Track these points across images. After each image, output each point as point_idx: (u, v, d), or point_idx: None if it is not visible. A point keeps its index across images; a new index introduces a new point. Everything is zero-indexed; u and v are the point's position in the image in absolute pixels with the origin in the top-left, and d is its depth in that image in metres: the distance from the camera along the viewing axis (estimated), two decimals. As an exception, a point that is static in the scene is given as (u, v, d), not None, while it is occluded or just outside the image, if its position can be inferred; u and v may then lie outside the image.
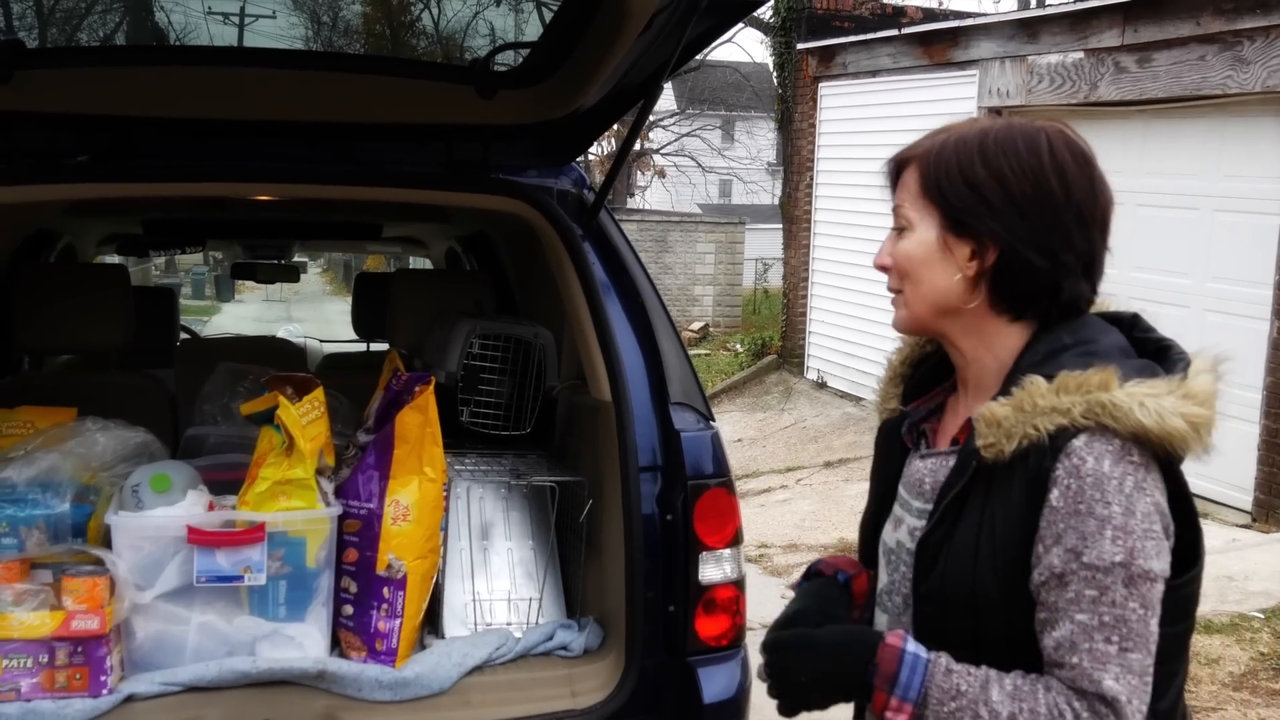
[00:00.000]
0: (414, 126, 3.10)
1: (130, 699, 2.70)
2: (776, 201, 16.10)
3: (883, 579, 1.84)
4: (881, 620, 1.84)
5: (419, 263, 8.20)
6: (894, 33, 11.69)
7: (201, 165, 3.00)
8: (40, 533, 2.85)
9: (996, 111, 10.63)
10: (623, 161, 3.14)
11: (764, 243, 27.40)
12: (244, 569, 2.79)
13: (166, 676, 2.75)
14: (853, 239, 12.31)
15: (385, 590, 2.89)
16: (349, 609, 2.93)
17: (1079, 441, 1.52)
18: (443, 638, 3.04)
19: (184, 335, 5.78)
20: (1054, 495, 1.53)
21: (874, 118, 11.99)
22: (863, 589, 1.93)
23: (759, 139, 40.53)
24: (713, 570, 2.93)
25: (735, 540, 2.98)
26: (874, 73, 12.21)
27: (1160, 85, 8.88)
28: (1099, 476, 1.50)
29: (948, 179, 1.66)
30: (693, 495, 2.91)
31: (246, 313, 27.40)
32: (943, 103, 11.12)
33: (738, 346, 17.47)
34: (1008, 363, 1.67)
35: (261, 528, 2.77)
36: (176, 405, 3.89)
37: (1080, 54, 9.62)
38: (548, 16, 3.02)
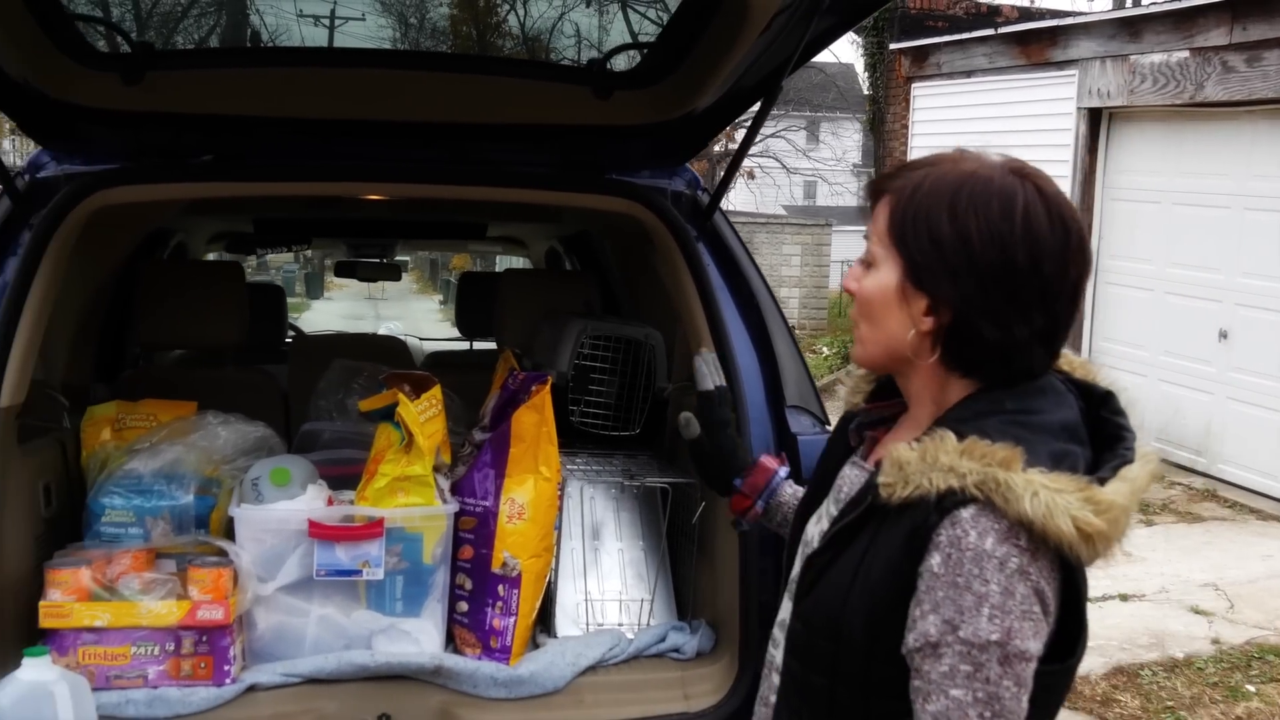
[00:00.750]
0: (528, 127, 3.12)
1: (252, 689, 2.75)
2: (860, 202, 15.94)
3: (796, 567, 1.82)
4: (787, 606, 1.82)
5: (512, 262, 8.25)
6: (990, 32, 11.54)
7: (320, 165, 3.05)
8: (165, 523, 2.92)
9: (1097, 112, 10.47)
10: (739, 163, 3.13)
11: (849, 244, 27.25)
12: (362, 563, 2.83)
13: (287, 668, 2.79)
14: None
15: (500, 588, 2.91)
16: (464, 605, 2.96)
17: (967, 513, 1.49)
18: (555, 637, 3.06)
19: (290, 332, 5.89)
20: (935, 561, 1.50)
21: (969, 119, 11.87)
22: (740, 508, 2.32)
23: (844, 140, 40.27)
24: (826, 574, 2.91)
25: None
26: (969, 73, 12.07)
27: (1270, 85, 8.67)
28: (980, 553, 1.47)
29: (914, 228, 1.60)
30: (808, 499, 2.89)
31: (336, 310, 27.78)
32: (1040, 103, 10.97)
33: (824, 349, 17.37)
34: (934, 414, 1.64)
35: (380, 523, 2.81)
36: (289, 401, 3.95)
37: (1185, 53, 9.43)
38: (666, 17, 3.02)
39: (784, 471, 2.41)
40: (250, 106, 2.95)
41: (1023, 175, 1.60)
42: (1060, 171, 10.67)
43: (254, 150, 3.03)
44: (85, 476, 3.10)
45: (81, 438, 3.17)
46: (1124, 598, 7.13)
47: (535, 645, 3.00)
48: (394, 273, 6.51)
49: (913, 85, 12.97)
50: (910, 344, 1.63)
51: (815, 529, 1.81)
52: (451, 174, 3.09)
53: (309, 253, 13.84)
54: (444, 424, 2.95)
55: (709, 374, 2.53)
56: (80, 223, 2.84)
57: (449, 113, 3.04)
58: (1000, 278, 1.54)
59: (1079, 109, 10.53)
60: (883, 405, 1.85)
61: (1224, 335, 9.33)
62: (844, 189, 36.21)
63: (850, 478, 1.80)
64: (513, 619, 2.90)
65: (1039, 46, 11.04)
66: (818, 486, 1.90)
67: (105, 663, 2.68)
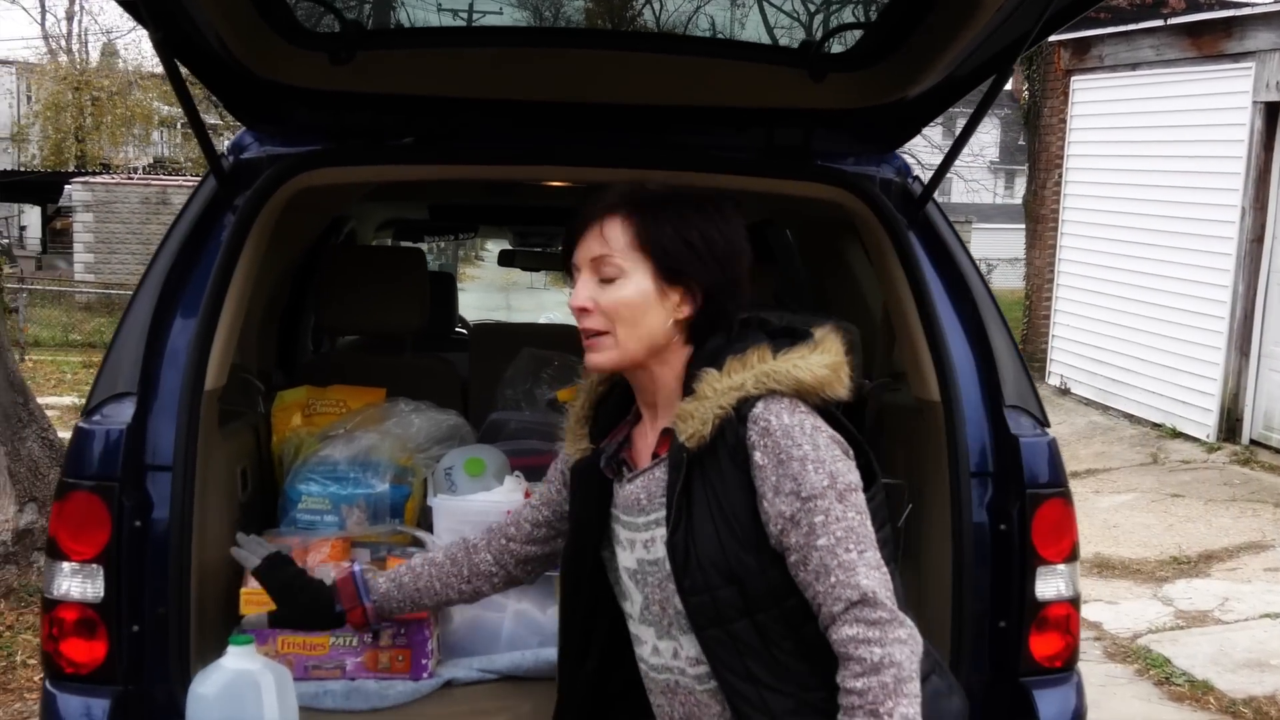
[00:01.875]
0: (733, 110, 2.99)
1: (449, 684, 2.68)
2: (997, 200, 15.53)
3: (636, 600, 2.02)
4: (649, 633, 2.01)
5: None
6: (1159, 23, 11.10)
7: (520, 148, 2.96)
8: (361, 512, 2.87)
9: (1274, 107, 9.98)
10: (959, 150, 2.96)
11: (988, 242, 26.65)
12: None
13: (484, 663, 2.72)
14: (1104, 239, 11.77)
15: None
16: (661, 605, 2.85)
17: (758, 408, 1.83)
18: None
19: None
20: (757, 456, 1.82)
21: (1133, 113, 11.43)
22: (357, 620, 2.37)
23: (981, 136, 39.42)
24: (1049, 586, 2.74)
25: (1073, 555, 2.78)
26: (1133, 65, 11.63)
27: None
28: (785, 428, 1.82)
29: (665, 233, 1.93)
30: (1031, 505, 2.72)
31: (469, 300, 28.01)
32: (1212, 97, 10.50)
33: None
34: (682, 373, 1.96)
35: (580, 517, 2.71)
36: (468, 389, 3.90)
37: (1374, 44, 8.92)
38: (886, -4, 2.87)
39: (357, 566, 2.46)
40: (450, 88, 2.87)
41: (716, 191, 2.12)
42: (1232, 169, 10.19)
43: (452, 133, 2.96)
44: (278, 462, 3.08)
45: (273, 422, 3.15)
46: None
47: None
48: (560, 262, 6.44)
49: (1072, 78, 12.55)
50: (668, 331, 1.95)
51: (631, 556, 2.01)
52: (651, 158, 2.98)
53: (442, 243, 13.90)
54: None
55: (249, 555, 2.48)
56: (281, 204, 2.80)
57: (652, 95, 2.93)
58: (727, 258, 1.96)
59: (1255, 103, 10.03)
60: (612, 436, 2.10)
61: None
62: (981, 186, 35.46)
63: (638, 487, 2.00)
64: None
65: (1212, 38, 10.57)
66: (582, 534, 2.11)
67: (304, 652, 2.64)
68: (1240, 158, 10.19)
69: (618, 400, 2.14)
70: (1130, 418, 11.33)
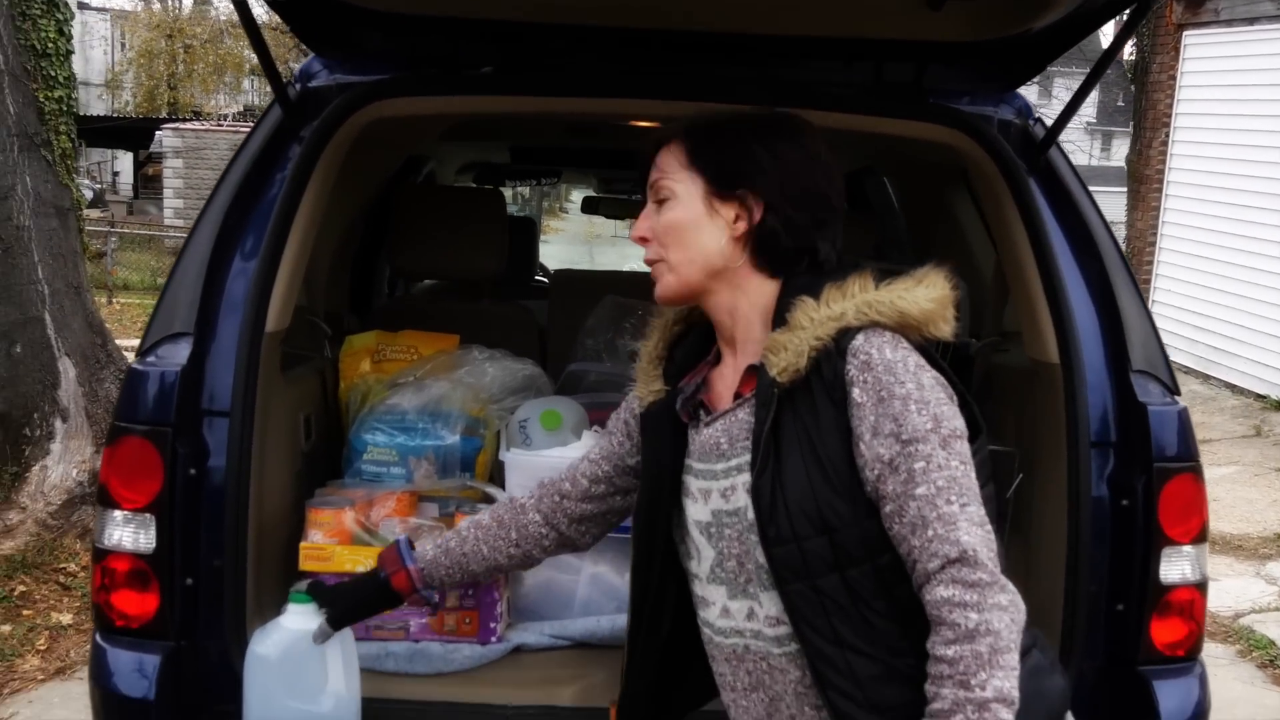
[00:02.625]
0: (840, 41, 2.75)
1: (519, 650, 2.52)
2: (1094, 162, 15.00)
3: (707, 556, 1.83)
4: (719, 593, 1.83)
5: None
6: (1281, -25, 10.55)
7: (607, 79, 2.75)
8: (429, 464, 2.71)
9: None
10: (1090, 88, 2.70)
11: (1085, 205, 25.95)
12: (640, 521, 2.55)
13: (557, 629, 2.56)
14: (1212, 202, 11.27)
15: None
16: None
17: (859, 340, 1.65)
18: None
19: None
20: (856, 393, 1.64)
21: (1250, 69, 10.87)
22: (403, 585, 2.13)
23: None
24: (1174, 568, 2.50)
25: (1201, 535, 2.54)
26: (1251, 20, 11.07)
27: None
28: (888, 363, 1.64)
29: (719, 145, 1.80)
30: (1158, 480, 2.48)
31: (551, 253, 27.93)
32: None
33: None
34: (770, 308, 1.77)
35: (663, 478, 2.52)
36: (546, 338, 3.72)
37: None
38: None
39: (403, 536, 2.25)
40: (533, 13, 2.67)
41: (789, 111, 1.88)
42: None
43: (535, 62, 2.75)
44: (344, 409, 2.92)
45: (340, 368, 3.00)
46: None
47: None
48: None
49: (1184, 33, 11.99)
50: (725, 251, 1.78)
51: (705, 508, 1.83)
52: (751, 93, 2.75)
53: (525, 192, 13.76)
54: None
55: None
56: (351, 137, 2.62)
57: (752, 23, 2.70)
58: (796, 172, 1.77)
59: (1382, 59, 9.54)
60: (690, 377, 1.91)
61: None
62: (1076, 147, 34.55)
63: (718, 430, 1.82)
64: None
65: (1336, -9, 10.03)
66: (656, 485, 1.90)
67: (366, 612, 2.48)
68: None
69: (695, 341, 1.96)
70: (1232, 388, 10.89)
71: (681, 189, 1.81)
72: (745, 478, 1.74)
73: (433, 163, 4.70)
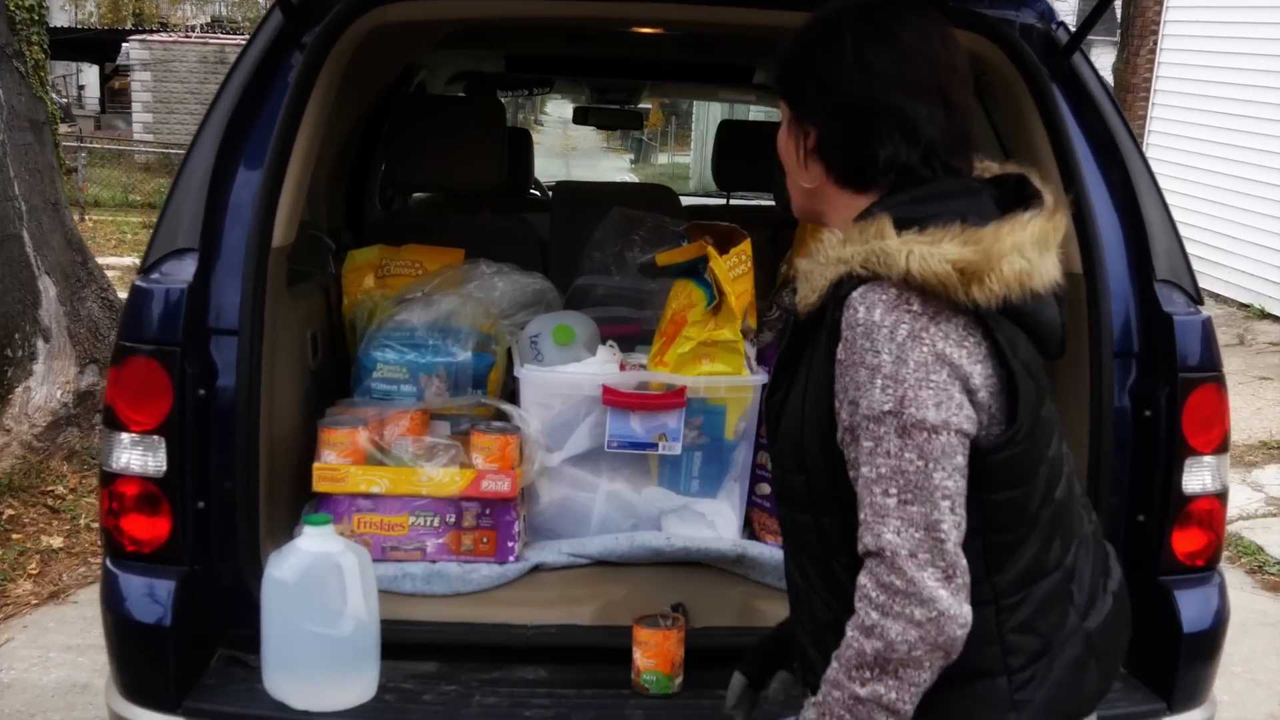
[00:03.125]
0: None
1: (537, 569, 2.49)
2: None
3: None
4: None
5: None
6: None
7: None
8: (440, 381, 2.66)
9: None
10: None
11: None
12: (659, 436, 2.52)
13: (575, 548, 2.52)
14: (1199, 111, 11.18)
15: (809, 472, 2.56)
16: (766, 488, 2.63)
17: (856, 292, 1.50)
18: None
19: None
20: (840, 349, 1.51)
21: (1236, 5, 10.74)
22: None
23: (1059, 4, 38.06)
24: (1196, 479, 2.48)
25: (1223, 445, 2.52)
26: (1240, -77, 10.91)
27: None
28: (869, 325, 1.48)
29: (785, 68, 1.69)
30: (1182, 390, 2.45)
31: (528, 166, 27.63)
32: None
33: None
34: None
35: (682, 392, 2.48)
36: (548, 252, 3.65)
37: None
38: None
39: None
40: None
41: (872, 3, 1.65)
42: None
43: None
44: (349, 327, 2.85)
45: (343, 284, 2.92)
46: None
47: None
48: (636, 120, 6.14)
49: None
50: (802, 172, 1.67)
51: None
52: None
53: (517, 99, 13.52)
54: (752, 283, 2.59)
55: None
56: (354, 44, 2.52)
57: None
58: (847, 83, 1.59)
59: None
60: None
61: None
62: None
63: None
64: (821, 508, 2.56)
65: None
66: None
67: (381, 532, 2.44)
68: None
69: None
70: (1217, 297, 10.90)
71: (782, 110, 1.72)
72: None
73: (424, 72, 4.58)
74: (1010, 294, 1.47)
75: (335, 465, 2.40)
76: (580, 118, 6.04)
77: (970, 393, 1.49)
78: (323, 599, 2.13)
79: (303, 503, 2.53)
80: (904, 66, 1.58)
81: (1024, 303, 1.50)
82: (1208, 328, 2.51)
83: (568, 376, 2.51)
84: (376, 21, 2.50)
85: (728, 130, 5.02)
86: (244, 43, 2.55)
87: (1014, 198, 1.63)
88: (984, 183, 1.66)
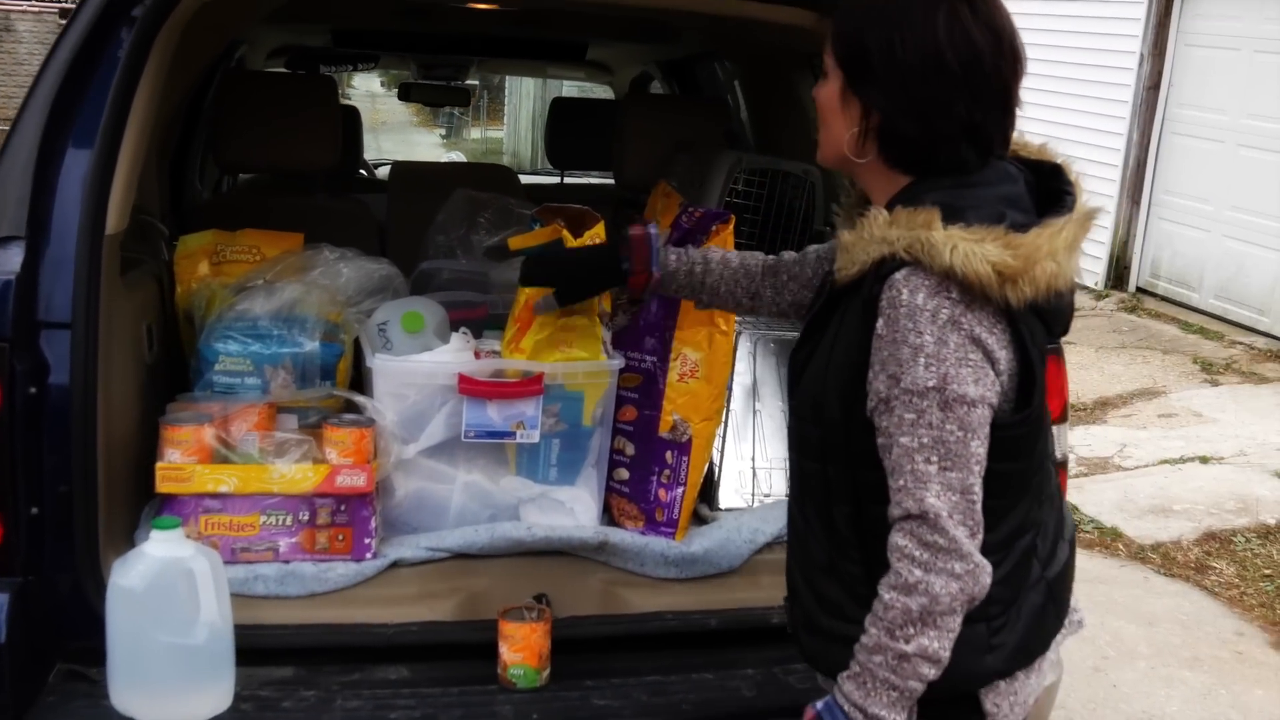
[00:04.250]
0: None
1: (395, 565, 2.42)
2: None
3: None
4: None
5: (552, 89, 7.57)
6: None
7: None
8: (287, 373, 2.55)
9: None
10: None
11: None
12: (516, 425, 2.47)
13: (433, 541, 2.45)
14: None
15: (668, 454, 2.56)
16: (624, 473, 2.61)
17: (900, 274, 1.60)
18: (718, 510, 2.72)
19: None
20: (880, 324, 1.62)
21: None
22: (638, 285, 2.20)
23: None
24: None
25: (1063, 416, 2.61)
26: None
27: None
28: (913, 308, 1.59)
29: (848, 39, 1.72)
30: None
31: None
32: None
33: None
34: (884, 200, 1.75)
35: (539, 379, 2.44)
36: (386, 235, 3.55)
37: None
38: None
39: (653, 227, 2.25)
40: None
41: None
42: (1133, 14, 10.02)
43: None
44: (185, 317, 2.72)
45: (175, 271, 2.78)
46: (1203, 460, 6.84)
47: (699, 520, 2.67)
48: (463, 97, 6.02)
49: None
50: (851, 144, 1.73)
51: None
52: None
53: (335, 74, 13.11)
54: (607, 267, 2.55)
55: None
56: (186, 18, 2.39)
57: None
58: (923, 79, 1.65)
59: (1157, -55, 9.88)
60: None
61: (1301, 192, 8.92)
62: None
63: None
64: (681, 489, 2.56)
65: None
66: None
67: (230, 533, 2.34)
68: (1141, 3, 10.05)
69: None
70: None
71: (830, 69, 1.75)
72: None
73: (244, 46, 4.39)
74: (1039, 295, 1.60)
75: (180, 464, 2.28)
76: (405, 94, 5.90)
77: (998, 374, 1.63)
78: (174, 607, 2.03)
79: (143, 505, 2.41)
80: (981, 69, 1.65)
81: (1055, 298, 1.64)
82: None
83: (423, 366, 2.44)
84: None
85: (560, 107, 4.97)
86: (29, 7, 2.39)
87: (1047, 187, 1.74)
88: (1020, 167, 1.75)
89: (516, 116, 20.73)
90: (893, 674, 1.60)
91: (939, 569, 1.58)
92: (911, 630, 1.59)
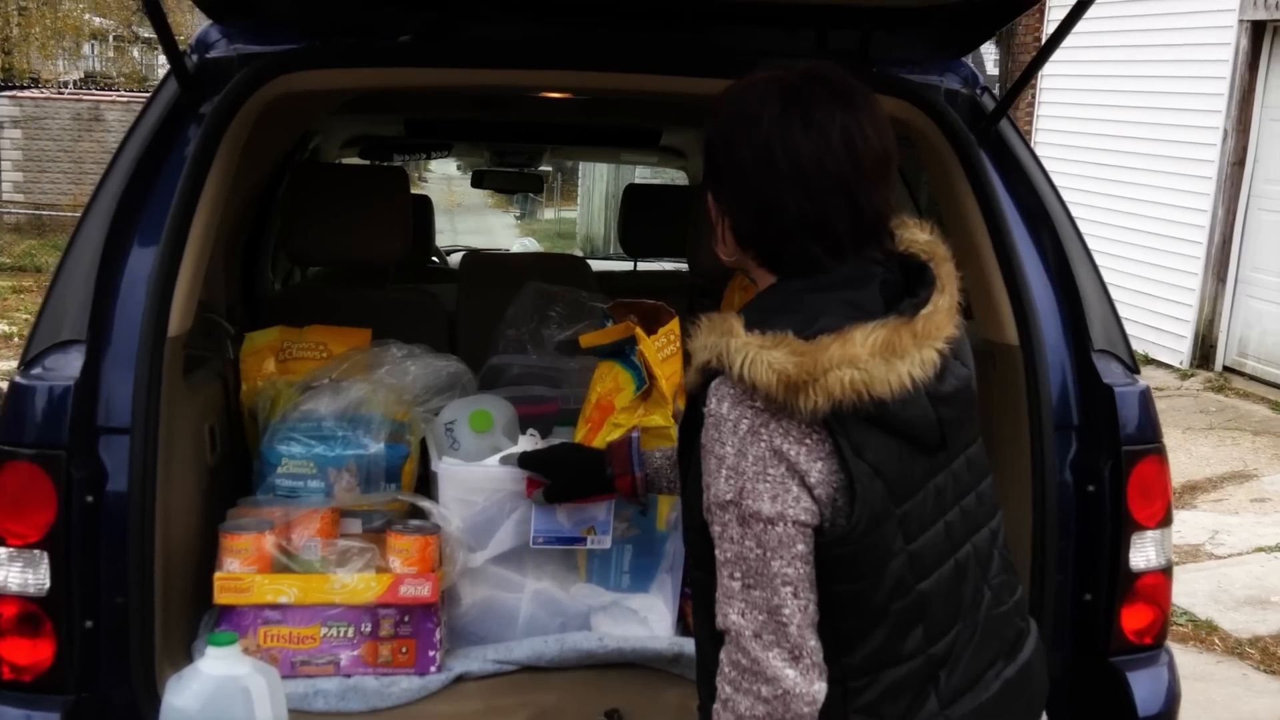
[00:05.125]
0: (783, 7, 2.57)
1: (461, 678, 2.31)
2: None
3: None
4: None
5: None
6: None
7: (533, 50, 2.53)
8: (351, 476, 2.47)
9: (1260, 25, 9.66)
10: (1046, 58, 2.57)
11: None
12: (587, 530, 2.37)
13: (500, 654, 2.35)
14: (1079, 162, 11.41)
15: (747, 561, 2.43)
16: (700, 580, 2.49)
17: (713, 383, 1.58)
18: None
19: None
20: (703, 433, 1.59)
21: (1113, 31, 11.03)
22: (625, 488, 2.19)
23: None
24: (1142, 554, 2.43)
25: (1167, 518, 2.46)
26: (1114, -19, 11.23)
27: None
28: (719, 418, 1.56)
29: (708, 141, 1.71)
30: (1127, 463, 2.39)
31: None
32: (1196, 15, 10.15)
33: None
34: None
35: (612, 483, 2.33)
36: (456, 328, 3.49)
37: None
38: None
39: (635, 433, 2.27)
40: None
41: (781, 75, 1.66)
42: (1216, 89, 9.87)
43: (459, 31, 2.51)
44: (249, 417, 2.66)
45: (241, 369, 2.73)
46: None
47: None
48: (536, 184, 6.01)
49: (1046, -7, 12.15)
50: (717, 243, 1.74)
51: None
52: (685, 62, 2.56)
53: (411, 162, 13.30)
54: (681, 364, 2.46)
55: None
56: (255, 114, 2.36)
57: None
58: (755, 175, 1.62)
59: (1240, 21, 9.70)
60: None
61: (1388, 267, 8.69)
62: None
63: None
64: (760, 598, 2.43)
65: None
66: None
67: (290, 646, 2.25)
68: (1224, 78, 9.88)
69: None
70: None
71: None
72: None
73: (319, 137, 4.40)
74: (843, 403, 1.51)
75: (239, 574, 2.20)
76: (479, 181, 5.90)
77: (808, 489, 1.54)
78: (229, 727, 1.94)
79: (201, 615, 2.33)
80: (814, 165, 1.60)
81: (876, 407, 1.53)
82: (1147, 397, 2.47)
83: (491, 470, 2.35)
84: (279, 91, 2.35)
85: (634, 194, 4.91)
86: (119, 98, 2.38)
87: (914, 281, 1.68)
88: (887, 266, 1.69)
89: (590, 197, 20.87)
90: None
91: (744, 689, 1.54)
92: None
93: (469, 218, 30.78)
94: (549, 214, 28.71)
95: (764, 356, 1.51)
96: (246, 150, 2.43)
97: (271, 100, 2.34)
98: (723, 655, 1.57)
